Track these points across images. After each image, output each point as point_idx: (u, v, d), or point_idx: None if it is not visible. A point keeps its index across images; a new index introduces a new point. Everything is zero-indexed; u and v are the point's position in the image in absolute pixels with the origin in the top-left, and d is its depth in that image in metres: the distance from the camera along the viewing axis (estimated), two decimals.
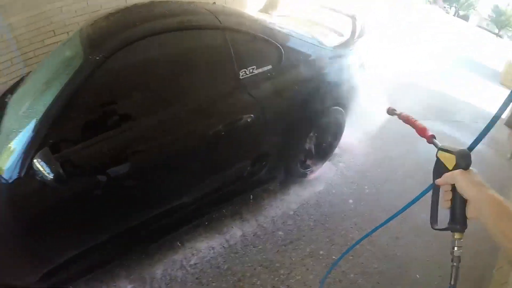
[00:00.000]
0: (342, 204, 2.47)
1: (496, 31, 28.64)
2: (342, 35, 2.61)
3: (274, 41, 1.89)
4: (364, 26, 2.45)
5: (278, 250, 2.13)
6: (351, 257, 2.13)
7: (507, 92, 0.66)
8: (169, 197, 1.82)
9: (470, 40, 14.98)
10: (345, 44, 2.40)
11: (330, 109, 2.33)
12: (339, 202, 2.49)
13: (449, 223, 0.65)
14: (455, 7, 28.59)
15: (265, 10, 2.92)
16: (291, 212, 2.36)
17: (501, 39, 25.60)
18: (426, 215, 2.59)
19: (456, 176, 0.63)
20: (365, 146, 3.21)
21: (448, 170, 0.66)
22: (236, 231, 2.24)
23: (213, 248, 2.15)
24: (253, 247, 2.15)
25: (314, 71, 2.11)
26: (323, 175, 2.69)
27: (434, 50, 9.11)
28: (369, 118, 3.61)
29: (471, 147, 0.69)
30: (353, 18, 2.36)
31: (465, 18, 25.24)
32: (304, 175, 2.55)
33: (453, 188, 0.64)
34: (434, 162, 0.73)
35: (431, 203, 0.76)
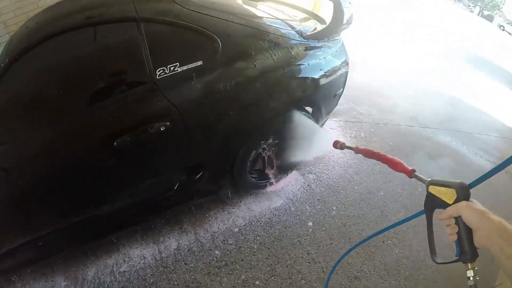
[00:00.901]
0: (299, 226, 1.96)
1: None
2: (325, 23, 1.98)
3: (208, 31, 1.40)
4: (352, 14, 1.81)
5: (209, 272, 1.70)
6: None
7: None
8: (84, 206, 1.52)
9: (490, 40, 12.99)
10: (323, 33, 1.78)
11: (294, 112, 1.77)
12: (295, 223, 1.97)
13: (459, 255, 0.60)
14: (480, 7, 25.07)
15: None
16: (236, 229, 1.90)
17: None
18: (400, 250, 1.94)
19: (461, 209, 0.59)
20: (347, 155, 2.60)
21: (446, 204, 0.62)
22: (172, 243, 1.84)
23: (144, 257, 1.80)
24: (185, 264, 1.75)
25: (269, 66, 1.55)
26: (286, 188, 2.16)
27: (446, 50, 7.86)
28: (357, 121, 2.98)
29: (472, 185, 0.63)
30: (336, 1, 1.71)
31: (490, 18, 22.12)
32: (260, 186, 2.05)
33: (457, 220, 0.60)
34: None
35: (428, 236, 0.69)
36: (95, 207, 1.54)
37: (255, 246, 1.82)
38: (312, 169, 2.37)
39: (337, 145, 1.03)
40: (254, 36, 1.52)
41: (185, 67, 1.36)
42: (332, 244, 1.90)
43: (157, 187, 1.59)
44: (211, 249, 1.80)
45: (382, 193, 2.34)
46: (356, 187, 2.33)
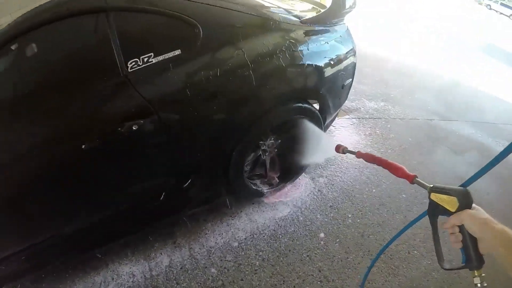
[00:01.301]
0: (309, 238, 1.66)
1: None
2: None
3: (186, 16, 1.20)
4: None
5: None
6: None
7: None
8: (55, 219, 1.33)
9: (503, 30, 12.17)
10: (324, 17, 1.51)
11: (295, 107, 1.51)
12: (304, 235, 1.68)
13: (465, 263, 0.59)
14: None
15: None
16: (235, 244, 1.63)
17: None
18: (429, 262, 1.59)
19: (464, 218, 0.57)
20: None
21: (449, 212, 0.60)
22: (164, 259, 1.61)
23: (134, 275, 1.58)
24: (176, 283, 1.51)
25: (260, 52, 1.30)
26: (294, 195, 1.88)
27: (457, 40, 7.35)
28: (372, 118, 2.65)
29: (466, 184, 0.60)
30: None
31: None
32: (262, 194, 1.78)
33: (461, 228, 0.58)
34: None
35: (434, 243, 0.67)
36: (69, 219, 1.34)
37: (257, 263, 1.55)
38: (323, 172, 2.07)
39: (339, 149, 1.00)
40: (242, 20, 1.29)
41: (160, 58, 1.15)
42: (348, 258, 1.59)
43: (140, 196, 1.37)
44: (206, 267, 1.55)
45: (404, 196, 2.00)
46: (374, 190, 2.00)
